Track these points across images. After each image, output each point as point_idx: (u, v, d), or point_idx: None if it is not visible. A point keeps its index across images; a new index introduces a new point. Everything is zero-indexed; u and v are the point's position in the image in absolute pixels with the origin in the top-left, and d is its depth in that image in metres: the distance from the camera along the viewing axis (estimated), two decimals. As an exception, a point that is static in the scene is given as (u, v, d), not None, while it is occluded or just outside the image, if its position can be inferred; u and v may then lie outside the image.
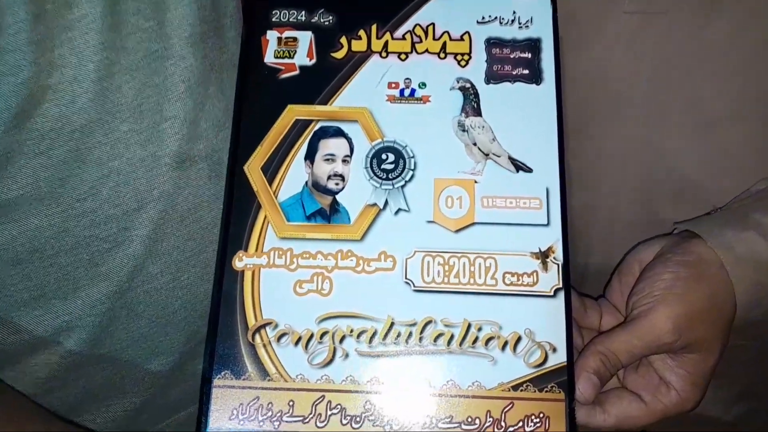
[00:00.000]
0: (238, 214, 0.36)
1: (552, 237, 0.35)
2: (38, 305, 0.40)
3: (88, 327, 0.42)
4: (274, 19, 0.39)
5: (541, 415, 0.32)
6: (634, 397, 0.35)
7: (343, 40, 0.38)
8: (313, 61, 0.38)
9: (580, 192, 0.43)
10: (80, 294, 0.41)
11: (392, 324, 0.34)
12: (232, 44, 0.44)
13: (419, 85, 0.37)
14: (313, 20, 0.39)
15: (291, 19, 0.39)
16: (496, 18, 0.38)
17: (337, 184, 0.36)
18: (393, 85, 0.37)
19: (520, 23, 0.38)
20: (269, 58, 0.38)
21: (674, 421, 0.34)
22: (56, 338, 0.41)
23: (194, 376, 0.48)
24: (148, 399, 0.47)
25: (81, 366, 0.43)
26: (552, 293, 0.34)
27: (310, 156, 0.36)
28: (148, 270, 0.42)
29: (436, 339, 0.34)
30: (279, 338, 0.34)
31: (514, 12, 0.38)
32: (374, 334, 0.34)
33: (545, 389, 0.33)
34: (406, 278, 0.34)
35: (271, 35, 0.38)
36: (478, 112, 0.37)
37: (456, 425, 0.32)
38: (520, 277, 0.34)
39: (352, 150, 0.36)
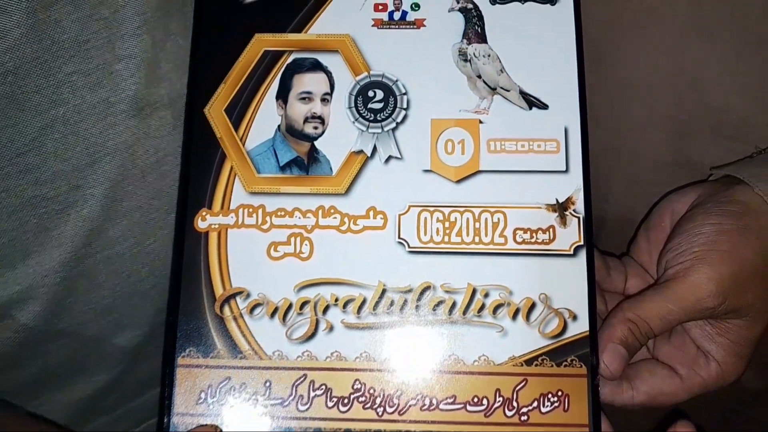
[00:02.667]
0: (200, 165, 0.30)
1: (572, 185, 0.29)
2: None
3: (43, 298, 0.37)
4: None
5: (560, 393, 0.28)
6: (667, 371, 0.30)
7: (320, -47, 0.32)
8: (285, -21, 0.31)
9: (598, 131, 0.37)
10: (30, 262, 0.36)
11: (384, 291, 0.29)
12: None
13: (412, 6, 0.31)
14: (283, -69, 0.32)
15: (257, -70, 0.32)
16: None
17: (315, 127, 0.30)
18: (380, 7, 0.31)
19: (532, -71, 0.32)
20: (232, -23, 0.32)
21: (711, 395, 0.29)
22: (7, 311, 0.37)
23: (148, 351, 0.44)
24: (116, 377, 0.43)
25: (37, 342, 0.38)
26: (572, 252, 0.29)
27: (282, 95, 0.31)
28: (107, 234, 0.37)
29: (435, 307, 0.29)
30: (252, 309, 0.29)
31: None
32: (363, 302, 0.29)
33: (564, 363, 0.28)
34: (399, 237, 0.29)
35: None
36: (482, 38, 0.31)
37: (460, 406, 0.28)
38: (534, 234, 0.29)
39: (332, 87, 0.31)
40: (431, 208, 0.29)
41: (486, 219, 0.29)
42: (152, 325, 0.42)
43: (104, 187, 0.36)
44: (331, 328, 0.29)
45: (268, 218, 0.30)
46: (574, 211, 0.29)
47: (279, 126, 0.30)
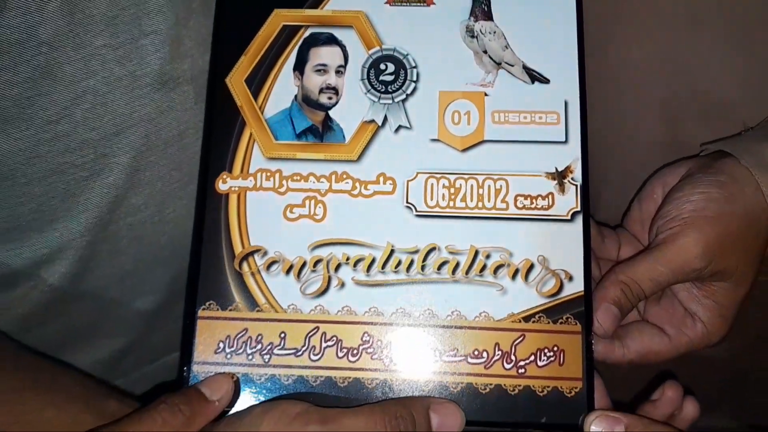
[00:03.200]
0: (221, 131, 0.32)
1: (570, 155, 0.31)
2: (14, 237, 0.38)
3: (69, 260, 0.39)
4: None
5: (555, 349, 0.30)
6: (656, 331, 0.32)
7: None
8: (302, -42, 0.33)
9: (596, 110, 0.39)
10: (57, 226, 0.38)
11: (392, 251, 0.31)
12: None
13: (422, -15, 0.33)
14: None
15: None
16: None
17: (330, 98, 0.32)
18: (392, -14, 0.33)
19: None
20: (252, -44, 0.33)
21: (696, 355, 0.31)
22: (36, 271, 0.39)
23: (182, 317, 0.46)
24: (134, 340, 0.45)
25: (63, 302, 0.40)
26: (569, 217, 0.31)
27: (299, 66, 0.33)
28: (130, 201, 0.39)
29: (439, 267, 0.31)
30: (268, 266, 0.31)
31: None
32: (372, 261, 0.31)
33: (560, 321, 0.30)
34: (407, 202, 0.31)
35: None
36: (488, 16, 0.33)
37: (461, 358, 0.30)
38: (534, 200, 0.31)
39: (346, 59, 0.33)
40: (438, 175, 0.31)
41: (489, 186, 0.31)
42: (169, 291, 0.44)
43: (129, 156, 0.37)
44: (342, 285, 0.30)
45: (284, 182, 0.31)
46: (572, 179, 0.31)
47: (296, 96, 0.32)
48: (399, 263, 0.31)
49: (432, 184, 0.31)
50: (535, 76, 0.32)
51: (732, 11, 0.36)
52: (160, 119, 0.37)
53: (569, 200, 0.31)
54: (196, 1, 0.37)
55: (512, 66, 0.32)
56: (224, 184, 0.32)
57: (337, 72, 0.33)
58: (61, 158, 0.36)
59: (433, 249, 0.31)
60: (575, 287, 0.30)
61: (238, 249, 0.31)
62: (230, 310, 0.30)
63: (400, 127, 0.32)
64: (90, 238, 0.39)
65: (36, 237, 0.38)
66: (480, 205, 0.31)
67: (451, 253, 0.31)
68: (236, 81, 0.33)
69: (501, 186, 0.31)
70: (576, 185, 0.31)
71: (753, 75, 0.38)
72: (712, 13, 0.37)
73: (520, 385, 0.29)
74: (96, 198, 0.38)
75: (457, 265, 0.30)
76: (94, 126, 0.36)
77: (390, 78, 0.32)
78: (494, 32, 0.32)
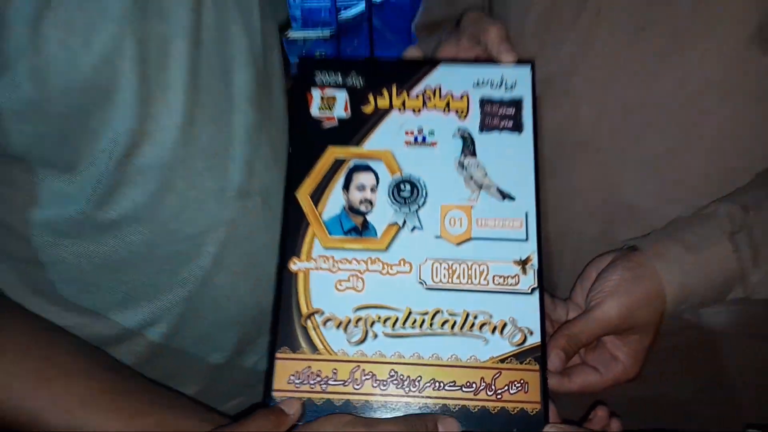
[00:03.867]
0: (292, 229, 0.47)
1: (530, 249, 0.46)
2: (129, 305, 0.51)
3: (166, 324, 0.52)
4: (317, 80, 0.51)
5: (522, 381, 0.43)
6: (592, 369, 0.46)
7: (371, 97, 0.50)
8: (348, 114, 0.50)
9: (554, 219, 0.55)
10: (162, 297, 0.51)
11: (410, 313, 0.45)
12: (279, 100, 0.56)
13: (429, 133, 0.49)
14: (347, 81, 0.50)
15: (330, 81, 0.51)
16: (487, 82, 0.51)
17: (366, 207, 0.47)
18: (409, 133, 0.49)
19: (506, 86, 0.50)
20: (314, 112, 0.50)
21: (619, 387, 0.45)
22: (141, 331, 0.52)
23: (242, 370, 0.58)
24: (204, 388, 0.57)
25: (158, 356, 0.53)
26: (530, 291, 0.45)
27: (346, 186, 0.48)
28: (213, 281, 0.52)
29: (442, 324, 0.45)
30: (325, 323, 0.45)
31: (502, 77, 0.51)
32: (396, 320, 0.45)
33: (525, 362, 0.44)
34: (420, 279, 0.46)
35: (315, 92, 0.50)
36: (473, 154, 0.49)
37: (458, 388, 0.43)
38: (506, 279, 0.46)
39: (378, 181, 0.48)
40: (441, 261, 0.46)
41: (475, 269, 0.46)
42: (235, 349, 0.56)
43: (216, 247, 0.51)
44: (375, 336, 0.44)
45: (336, 264, 0.46)
46: (531, 265, 0.46)
47: (344, 206, 0.48)
48: (414, 321, 0.45)
49: (437, 267, 0.46)
50: (505, 195, 0.48)
51: (646, 144, 0.53)
52: (238, 221, 0.51)
53: (530, 279, 0.46)
54: (264, 135, 0.53)
55: (490, 188, 0.48)
56: (294, 265, 0.46)
57: (372, 190, 0.48)
58: (170, 247, 0.50)
59: (438, 312, 0.45)
60: (535, 339, 0.44)
61: (304, 311, 0.45)
62: (298, 353, 0.44)
63: (414, 228, 0.47)
64: (183, 308, 0.52)
65: (146, 305, 0.51)
66: (469, 282, 0.46)
67: (450, 314, 0.45)
68: (303, 195, 0.48)
69: (483, 269, 0.46)
70: (534, 269, 0.46)
71: (666, 190, 0.54)
72: (634, 148, 0.54)
73: (498, 407, 0.43)
74: (191, 277, 0.51)
75: (455, 323, 0.45)
76: (194, 225, 0.50)
77: (407, 194, 0.48)
78: (477, 165, 0.48)
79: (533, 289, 0.45)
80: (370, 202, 0.48)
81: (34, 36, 0.40)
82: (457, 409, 0.43)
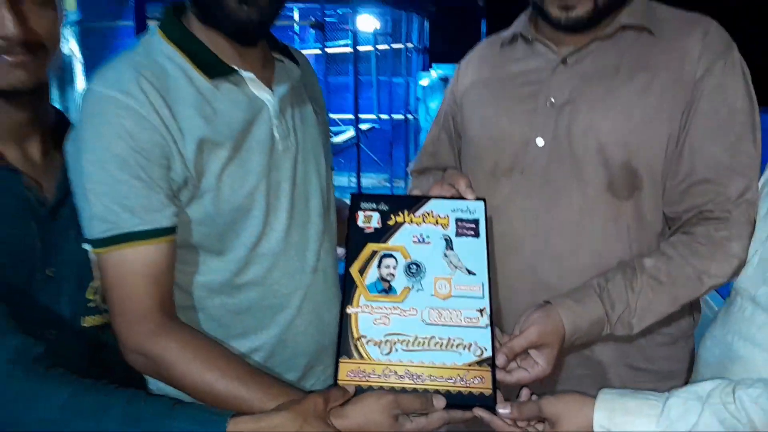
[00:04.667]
0: (348, 289, 0.81)
1: (485, 303, 0.81)
2: (245, 337, 0.84)
3: (264, 351, 0.85)
4: (361, 206, 0.87)
5: (481, 377, 0.76)
6: (522, 369, 0.79)
7: (393, 216, 0.87)
8: (379, 225, 0.86)
9: (501, 288, 0.90)
10: (263, 333, 0.84)
11: (416, 337, 0.78)
12: (333, 215, 0.93)
13: (426, 236, 0.85)
14: (379, 207, 0.87)
15: (369, 207, 0.87)
16: (459, 209, 0.88)
17: (390, 278, 0.82)
18: (415, 237, 0.85)
19: (470, 212, 0.88)
20: (360, 223, 0.86)
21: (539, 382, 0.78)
22: (250, 354, 0.84)
23: (309, 389, 0.89)
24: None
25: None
26: (485, 326, 0.79)
27: (378, 265, 0.83)
28: (295, 323, 0.86)
29: (435, 345, 0.78)
30: (367, 342, 0.77)
31: (467, 206, 0.88)
32: (409, 341, 0.78)
33: (482, 366, 0.76)
34: (422, 319, 0.79)
35: (360, 213, 0.87)
36: (452, 249, 0.85)
37: (444, 380, 0.75)
38: (472, 320, 0.80)
39: (397, 263, 0.83)
40: (434, 309, 0.80)
41: (455, 313, 0.80)
42: (304, 371, 0.88)
43: (297, 303, 0.85)
44: (397, 350, 0.77)
45: (373, 310, 0.80)
46: (485, 311, 0.80)
47: (377, 277, 0.82)
48: (419, 342, 0.78)
49: (432, 312, 0.80)
50: (470, 272, 0.83)
51: (559, 240, 0.91)
52: (311, 286, 0.86)
53: (485, 320, 0.80)
54: (326, 236, 0.90)
55: (461, 268, 0.83)
56: (350, 309, 0.80)
57: (394, 268, 0.83)
58: (270, 301, 0.85)
59: (432, 337, 0.78)
60: (488, 354, 0.77)
61: (355, 335, 0.78)
62: (352, 359, 0.76)
63: (419, 289, 0.81)
64: (275, 341, 0.85)
65: (253, 338, 0.84)
66: (451, 320, 0.79)
67: (440, 339, 0.78)
68: (354, 270, 0.82)
69: (458, 314, 0.80)
70: (488, 314, 0.80)
71: (570, 274, 0.90)
72: (550, 246, 0.91)
73: (467, 391, 0.75)
74: (282, 321, 0.85)
75: (443, 344, 0.78)
76: (286, 287, 0.85)
77: (415, 271, 0.83)
78: (455, 256, 0.84)
79: (487, 325, 0.79)
80: (393, 275, 0.82)
81: (217, 181, 0.77)
82: (444, 392, 0.75)
